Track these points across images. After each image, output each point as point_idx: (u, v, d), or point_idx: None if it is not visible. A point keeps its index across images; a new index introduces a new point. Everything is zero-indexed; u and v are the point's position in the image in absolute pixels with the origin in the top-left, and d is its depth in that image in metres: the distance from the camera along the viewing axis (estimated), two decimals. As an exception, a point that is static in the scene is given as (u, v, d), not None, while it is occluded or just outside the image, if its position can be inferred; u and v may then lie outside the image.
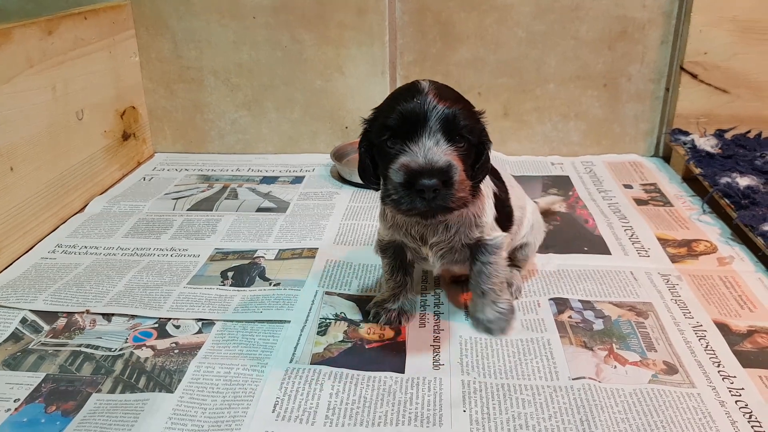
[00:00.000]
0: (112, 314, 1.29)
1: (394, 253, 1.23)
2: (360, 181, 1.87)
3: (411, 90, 1.03)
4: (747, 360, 1.12)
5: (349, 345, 1.18)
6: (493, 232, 1.16)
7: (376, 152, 1.06)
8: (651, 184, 1.92)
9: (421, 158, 0.97)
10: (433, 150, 0.98)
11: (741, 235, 1.56)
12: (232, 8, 2.05)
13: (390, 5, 2.02)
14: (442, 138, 0.99)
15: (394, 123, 1.00)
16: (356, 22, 2.04)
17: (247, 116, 2.19)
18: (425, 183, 0.95)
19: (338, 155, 2.06)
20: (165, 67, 2.14)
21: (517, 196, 1.31)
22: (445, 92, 1.03)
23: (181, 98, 2.18)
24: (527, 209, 1.36)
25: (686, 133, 2.02)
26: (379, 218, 1.22)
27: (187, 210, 1.79)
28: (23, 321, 1.27)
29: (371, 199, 1.84)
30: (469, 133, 1.02)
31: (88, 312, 1.29)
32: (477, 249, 1.17)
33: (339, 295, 1.35)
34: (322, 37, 2.06)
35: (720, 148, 1.92)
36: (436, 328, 1.23)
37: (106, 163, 1.95)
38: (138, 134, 2.14)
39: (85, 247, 1.58)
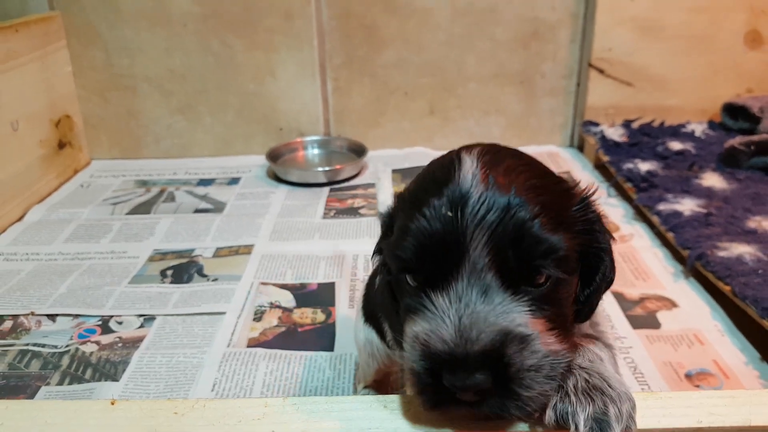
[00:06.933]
0: (57, 315, 1.35)
1: None
2: (296, 180, 2.01)
3: (447, 174, 0.61)
4: (636, 322, 1.27)
5: (283, 329, 1.28)
6: None
7: (394, 284, 0.67)
8: (565, 172, 2.08)
9: (451, 329, 0.56)
10: (478, 309, 0.57)
11: (642, 215, 1.72)
12: (162, 16, 2.11)
13: (317, 10, 2.12)
14: (494, 279, 0.58)
15: (408, 255, 0.60)
16: (284, 27, 2.13)
17: (182, 121, 2.25)
18: (456, 383, 0.56)
19: (273, 156, 2.14)
20: (98, 75, 2.18)
21: None
22: (507, 171, 0.61)
23: (115, 106, 2.22)
24: None
25: (596, 124, 2.19)
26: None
27: (126, 214, 1.84)
28: (-32, 326, 1.32)
29: (306, 197, 1.93)
30: (559, 261, 0.59)
31: (33, 314, 1.35)
32: None
33: (274, 285, 1.44)
34: (252, 42, 2.15)
35: (627, 137, 2.09)
36: (364, 310, 1.34)
37: (42, 172, 1.98)
38: (74, 143, 2.18)
39: (27, 253, 1.63)
